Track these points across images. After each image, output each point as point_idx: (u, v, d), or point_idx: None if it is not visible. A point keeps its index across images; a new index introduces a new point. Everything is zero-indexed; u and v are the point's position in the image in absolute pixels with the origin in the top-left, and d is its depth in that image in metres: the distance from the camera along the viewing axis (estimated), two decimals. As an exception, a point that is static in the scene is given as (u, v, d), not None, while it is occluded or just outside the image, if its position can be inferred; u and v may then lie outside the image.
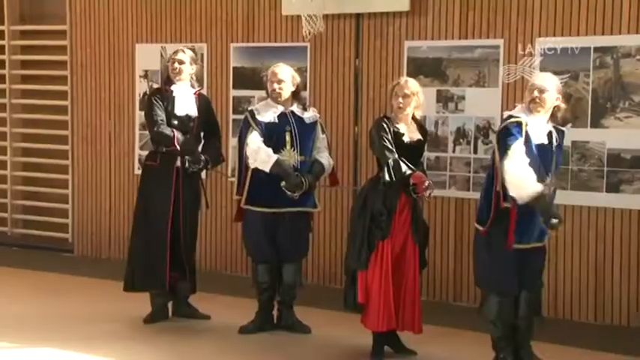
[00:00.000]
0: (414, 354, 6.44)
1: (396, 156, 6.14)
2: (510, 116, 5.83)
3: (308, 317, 7.08)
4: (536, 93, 5.85)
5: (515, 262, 5.85)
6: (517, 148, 5.66)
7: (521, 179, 5.63)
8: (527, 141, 5.72)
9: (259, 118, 6.78)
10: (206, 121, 7.28)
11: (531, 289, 5.99)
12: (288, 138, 6.76)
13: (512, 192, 5.66)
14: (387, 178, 6.13)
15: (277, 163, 6.66)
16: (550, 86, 5.88)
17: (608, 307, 7.34)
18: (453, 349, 6.68)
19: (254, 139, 6.72)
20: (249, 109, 7.00)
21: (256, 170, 6.74)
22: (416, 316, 6.32)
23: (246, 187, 6.77)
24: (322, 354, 6.58)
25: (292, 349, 6.70)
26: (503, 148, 5.69)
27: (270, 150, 6.68)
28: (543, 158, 5.78)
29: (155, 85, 8.92)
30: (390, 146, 6.16)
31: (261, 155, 6.68)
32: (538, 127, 5.80)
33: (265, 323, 6.99)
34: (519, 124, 5.75)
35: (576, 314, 7.46)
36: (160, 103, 7.06)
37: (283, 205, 6.74)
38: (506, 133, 5.75)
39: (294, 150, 6.77)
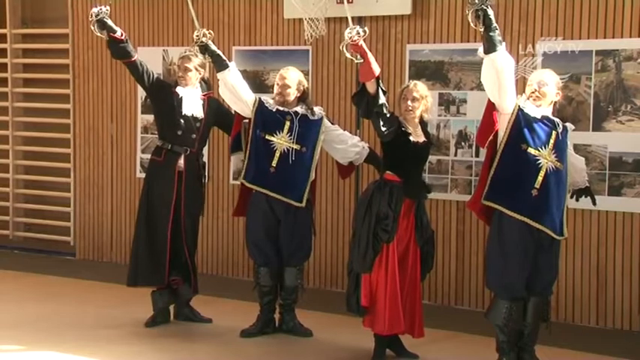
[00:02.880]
0: (415, 357, 6.43)
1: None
2: None
3: (309, 320, 7.07)
4: (535, 86, 5.88)
5: (527, 265, 5.84)
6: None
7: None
8: (523, 113, 5.81)
9: (262, 99, 6.84)
10: (220, 120, 7.32)
11: (541, 296, 5.99)
12: (286, 125, 6.77)
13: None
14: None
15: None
16: (549, 81, 5.90)
17: (610, 311, 7.33)
18: (454, 353, 6.68)
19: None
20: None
21: (251, 146, 6.75)
22: (416, 320, 6.32)
23: (246, 160, 6.78)
24: (324, 357, 6.57)
25: (293, 352, 6.69)
26: None
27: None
28: (536, 133, 5.81)
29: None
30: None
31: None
32: (535, 110, 5.85)
33: (267, 326, 6.98)
34: None
35: (578, 318, 7.46)
36: (161, 80, 7.27)
37: (264, 186, 6.76)
38: None
39: (290, 136, 6.77)
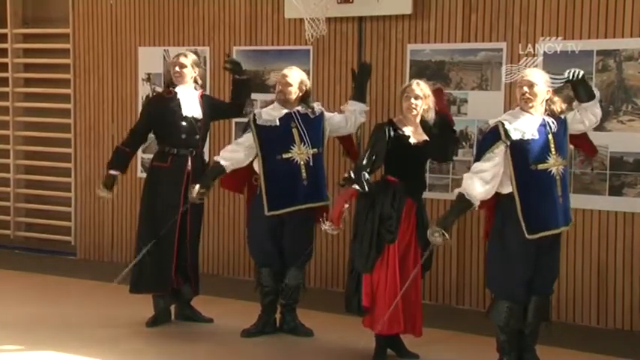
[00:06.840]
0: (416, 357, 6.43)
1: (365, 169, 6.21)
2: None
3: (310, 320, 7.07)
4: (525, 88, 5.86)
5: (529, 270, 5.84)
6: (479, 165, 5.85)
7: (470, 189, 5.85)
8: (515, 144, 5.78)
9: (260, 122, 6.80)
10: (217, 113, 7.43)
11: (542, 295, 5.98)
12: (295, 134, 6.78)
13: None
14: (350, 175, 6.27)
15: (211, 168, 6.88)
16: (538, 80, 5.88)
17: (611, 311, 7.33)
18: (455, 353, 6.68)
19: (241, 141, 6.85)
20: (253, 112, 7.01)
21: (268, 174, 6.75)
22: (417, 319, 6.32)
23: (264, 194, 6.75)
24: (324, 357, 6.57)
25: (294, 352, 6.70)
26: (475, 158, 5.98)
27: (229, 150, 6.86)
28: (537, 149, 5.78)
29: (158, 89, 8.93)
30: (369, 157, 6.22)
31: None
32: (525, 124, 5.81)
33: (268, 326, 6.98)
34: (496, 130, 5.82)
35: (579, 317, 7.45)
36: (149, 112, 7.21)
37: (300, 202, 6.77)
38: (480, 146, 6.06)
39: (304, 145, 6.78)
